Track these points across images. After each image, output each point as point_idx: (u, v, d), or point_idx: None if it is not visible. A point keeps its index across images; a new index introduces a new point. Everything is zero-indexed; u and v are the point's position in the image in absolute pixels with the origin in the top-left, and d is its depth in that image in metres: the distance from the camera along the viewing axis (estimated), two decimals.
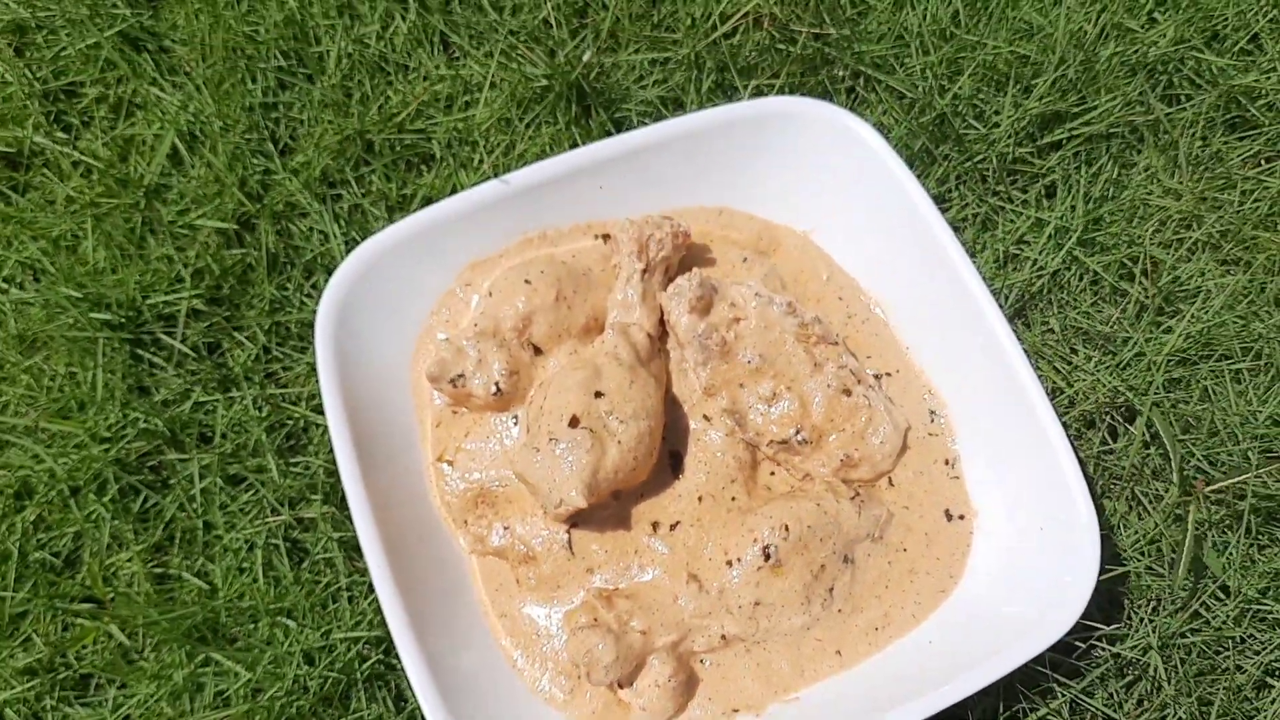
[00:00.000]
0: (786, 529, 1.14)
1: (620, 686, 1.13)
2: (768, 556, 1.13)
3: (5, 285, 1.35)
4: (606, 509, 1.19)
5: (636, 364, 1.19)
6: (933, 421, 1.25)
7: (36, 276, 1.36)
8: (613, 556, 1.18)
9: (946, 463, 1.23)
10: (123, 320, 1.31)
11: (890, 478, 1.23)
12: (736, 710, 1.14)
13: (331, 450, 1.25)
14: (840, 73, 1.43)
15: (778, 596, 1.14)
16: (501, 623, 1.18)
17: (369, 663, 1.21)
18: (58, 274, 1.33)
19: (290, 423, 1.31)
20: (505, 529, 1.20)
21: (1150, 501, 1.27)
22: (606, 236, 1.31)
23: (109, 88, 1.42)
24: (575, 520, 1.18)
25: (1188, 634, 1.20)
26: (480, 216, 1.26)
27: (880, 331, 1.29)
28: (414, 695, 1.17)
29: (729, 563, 1.14)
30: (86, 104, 1.41)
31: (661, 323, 1.25)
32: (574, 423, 1.13)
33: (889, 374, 1.27)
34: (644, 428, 1.15)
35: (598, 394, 1.15)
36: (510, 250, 1.29)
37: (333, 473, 1.28)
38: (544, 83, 1.37)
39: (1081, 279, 1.38)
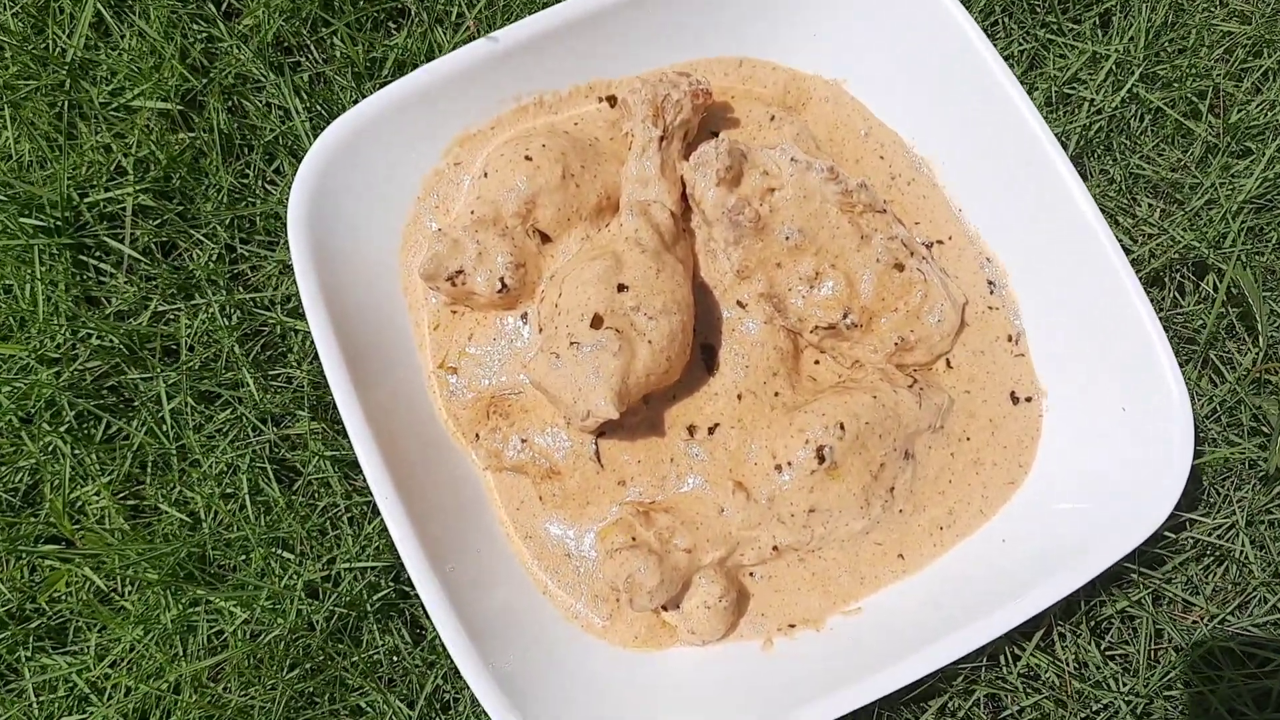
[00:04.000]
0: (842, 427, 1.01)
1: (664, 609, 1.02)
2: (822, 459, 1.01)
3: None
4: (636, 414, 1.05)
5: (661, 249, 1.04)
6: (992, 293, 1.11)
7: None
8: (646, 466, 1.05)
9: (1010, 339, 1.10)
10: (59, 223, 1.14)
11: (948, 359, 1.10)
12: (793, 625, 1.03)
13: (316, 360, 1.10)
14: None
15: (834, 501, 1.02)
16: (527, 545, 1.06)
17: (380, 593, 1.09)
18: None
19: (265, 331, 1.15)
20: (523, 442, 1.06)
21: (1227, 366, 1.15)
22: (612, 99, 1.14)
23: None
24: (603, 429, 1.05)
25: (1275, 511, 1.10)
26: (467, 83, 1.09)
27: (928, 193, 1.14)
28: (434, 627, 1.06)
29: (778, 467, 1.02)
30: None
31: (684, 198, 1.09)
32: (596, 322, 0.99)
33: (940, 242, 1.13)
34: (676, 323, 1.00)
35: (621, 287, 1.00)
36: (503, 120, 1.12)
37: (319, 385, 1.13)
38: None
39: (1143, 119, 1.23)
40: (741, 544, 1.02)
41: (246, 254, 1.15)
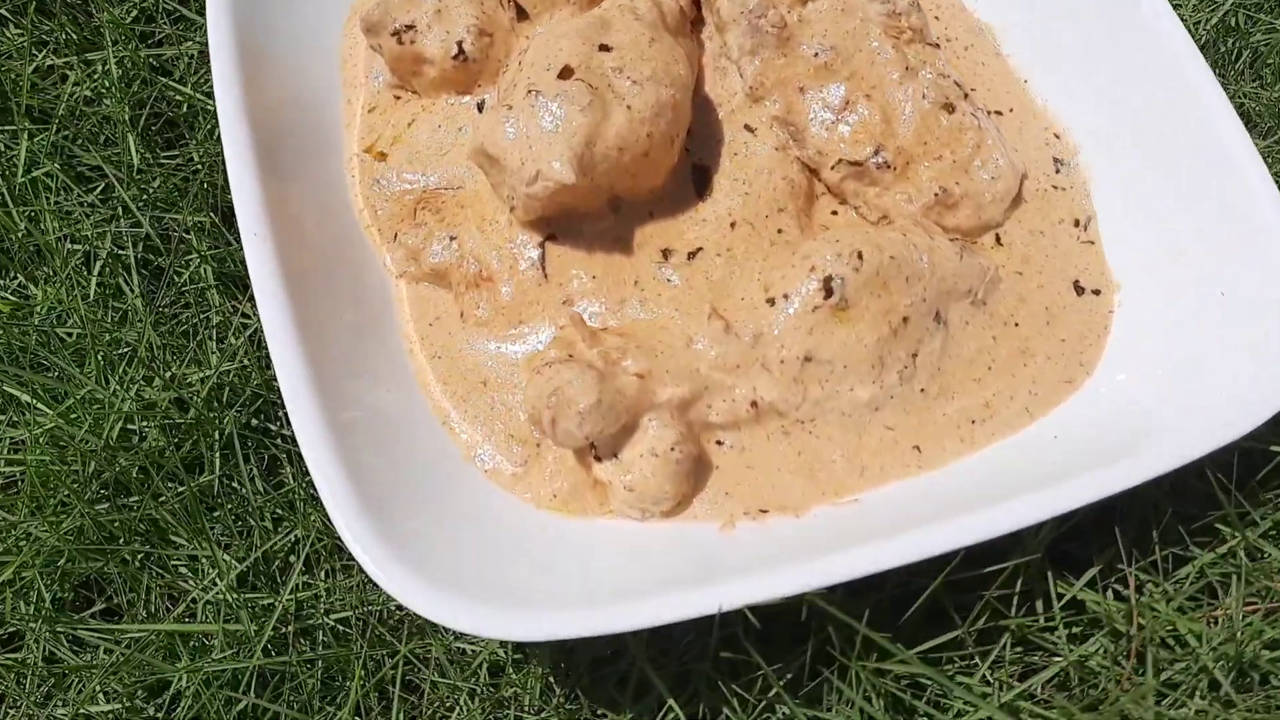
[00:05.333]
0: (860, 257, 0.78)
1: (598, 458, 0.76)
2: (829, 292, 0.77)
3: None
4: (600, 221, 0.83)
5: (660, 26, 0.84)
6: (1058, 172, 0.90)
7: None
8: (604, 285, 0.81)
9: (1077, 224, 0.88)
10: None
11: (998, 234, 0.87)
12: (765, 511, 0.77)
13: (221, 135, 0.88)
14: None
15: (838, 350, 0.78)
16: (433, 366, 0.81)
17: (234, 412, 0.83)
18: None
19: (169, 107, 0.94)
20: (451, 240, 0.83)
21: None
22: None
23: None
24: (553, 231, 0.82)
25: None
26: None
27: (988, 61, 0.95)
28: (304, 473, 0.80)
29: (770, 300, 0.78)
30: None
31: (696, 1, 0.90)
32: (565, 74, 0.78)
33: (998, 113, 0.93)
34: (666, 97, 0.79)
35: (603, 47, 0.80)
36: None
37: (218, 168, 0.91)
38: None
39: None
40: (711, 389, 0.77)
41: (170, 7, 0.96)
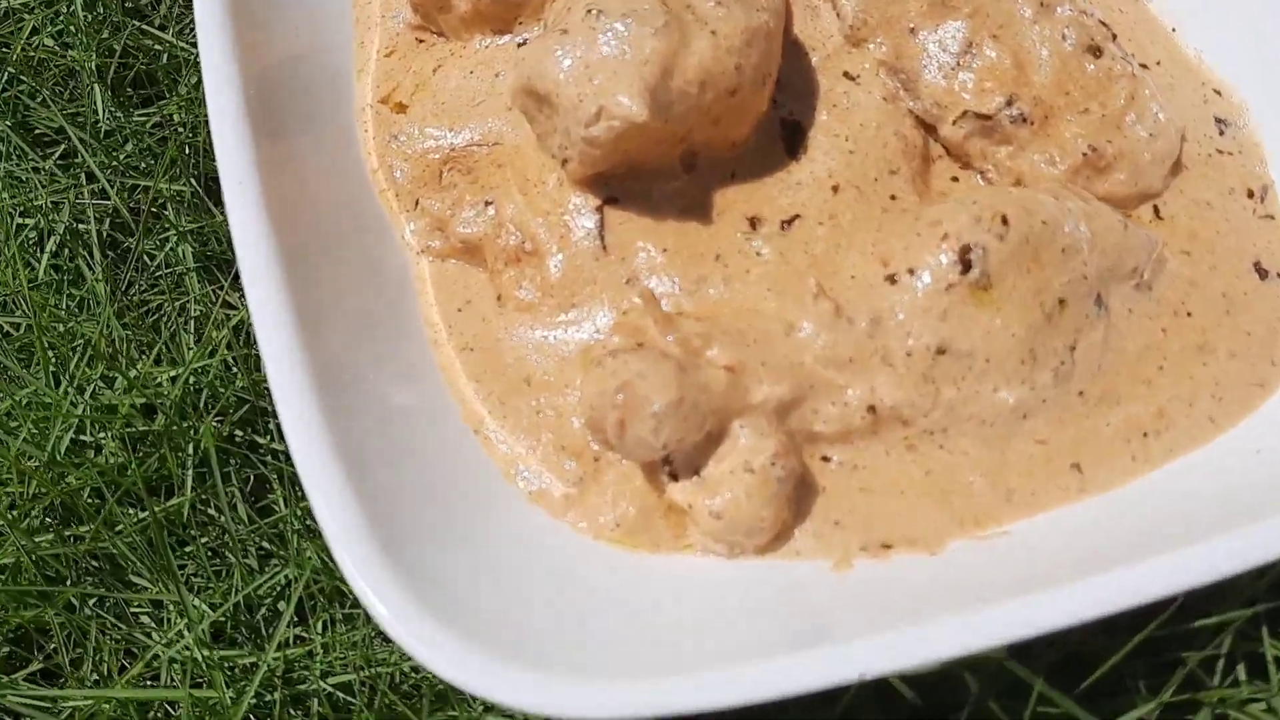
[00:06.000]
0: (1004, 221, 0.61)
1: (674, 476, 0.59)
2: (968, 266, 0.61)
3: None
4: (672, 181, 0.66)
5: None
6: (1223, 135, 0.74)
7: None
8: (678, 260, 0.65)
9: (1250, 194, 0.72)
10: None
11: (1157, 206, 0.71)
12: (889, 545, 0.59)
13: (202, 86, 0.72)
14: None
15: (980, 341, 0.61)
16: (464, 360, 0.65)
17: (214, 420, 0.67)
18: None
19: (145, 57, 0.78)
20: (488, 205, 0.67)
21: None
22: None
23: None
24: (613, 194, 0.65)
25: None
26: None
27: (1127, 8, 0.79)
28: (297, 484, 0.63)
29: (891, 277, 0.62)
30: None
31: None
32: None
33: (1144, 65, 0.76)
34: (758, 22, 0.63)
35: None
36: None
37: (203, 127, 0.75)
38: None
39: None
40: (818, 390, 0.61)
41: None
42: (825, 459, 0.62)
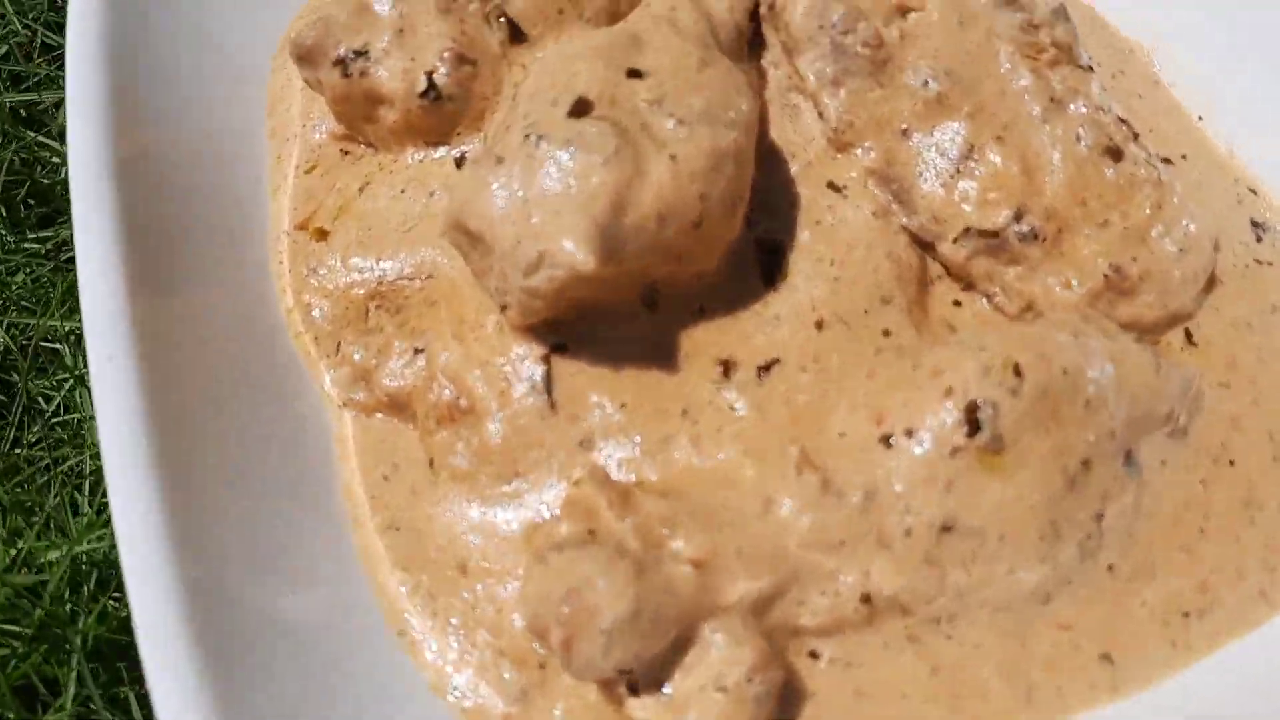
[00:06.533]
0: (1018, 372, 0.52)
1: (634, 691, 0.49)
2: (976, 427, 0.51)
3: None
4: (630, 323, 0.57)
5: (711, 43, 0.59)
6: (1260, 241, 0.66)
7: None
8: (637, 417, 0.56)
9: None
10: None
11: (1189, 329, 0.62)
12: None
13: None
14: None
15: (992, 515, 0.52)
16: (388, 543, 0.55)
17: (110, 601, 0.57)
18: None
19: (41, 171, 0.69)
20: (417, 354, 0.57)
21: None
22: None
23: None
24: (562, 339, 0.56)
25: None
26: None
27: (1146, 92, 0.71)
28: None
29: (887, 438, 0.52)
30: None
31: (755, 12, 0.65)
32: (581, 109, 0.53)
33: (1167, 161, 0.67)
34: (724, 142, 0.54)
35: (634, 73, 0.55)
36: None
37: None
38: None
39: None
40: (804, 578, 0.52)
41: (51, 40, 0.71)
42: (814, 655, 0.53)
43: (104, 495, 0.61)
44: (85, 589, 0.59)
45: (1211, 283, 0.64)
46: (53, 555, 0.59)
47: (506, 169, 0.53)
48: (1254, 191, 0.68)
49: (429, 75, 0.61)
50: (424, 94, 0.61)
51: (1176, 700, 0.53)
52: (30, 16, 0.74)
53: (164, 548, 0.46)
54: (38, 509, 0.61)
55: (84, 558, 0.60)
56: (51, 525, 0.62)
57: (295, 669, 0.49)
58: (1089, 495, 0.54)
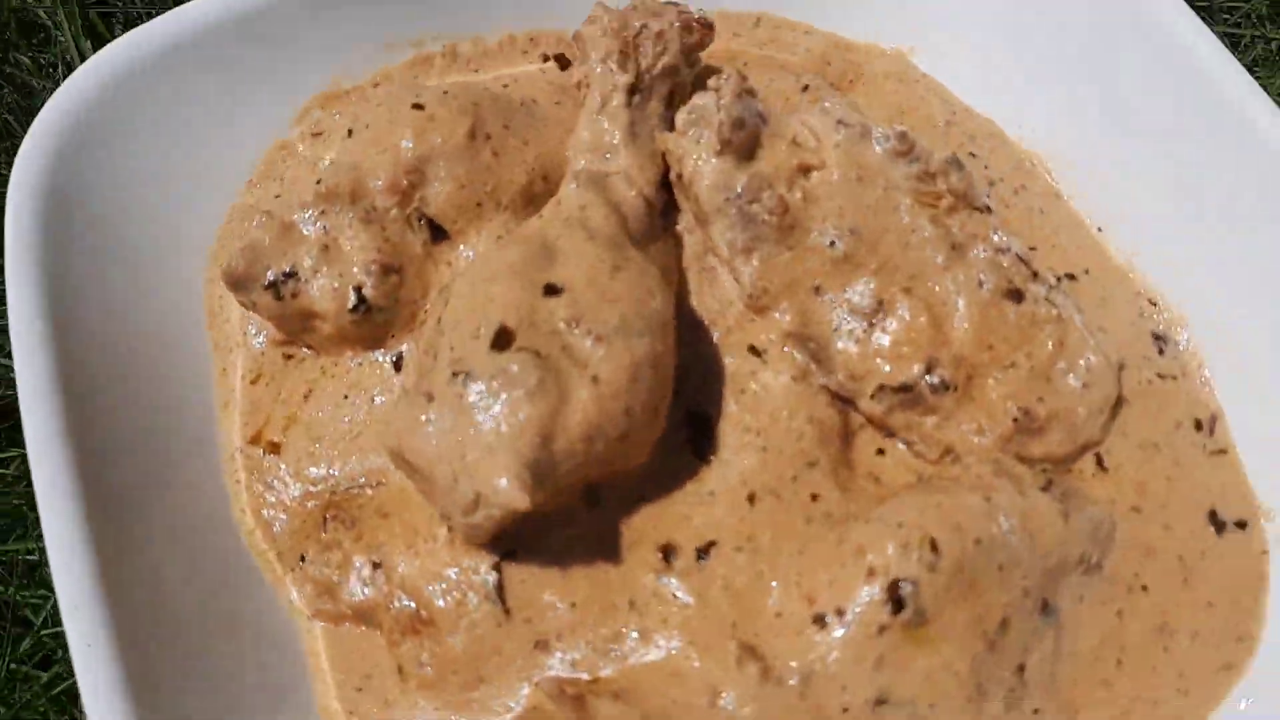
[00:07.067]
0: (934, 548, 0.56)
1: None
2: (899, 604, 0.55)
3: None
4: (573, 525, 0.60)
5: (623, 239, 0.62)
6: (1163, 354, 0.69)
7: None
8: (587, 615, 0.60)
9: (1199, 426, 0.67)
10: None
11: (1100, 455, 0.66)
12: None
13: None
14: None
15: (921, 686, 0.56)
16: None
17: None
18: None
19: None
20: (375, 568, 0.61)
21: None
22: (562, 59, 0.75)
23: None
24: (511, 546, 0.60)
25: None
26: (338, 10, 0.69)
27: (1047, 206, 0.74)
28: None
29: (819, 619, 0.57)
30: None
31: (666, 182, 0.68)
32: (503, 340, 0.56)
33: (1071, 276, 0.71)
34: (642, 351, 0.57)
35: (550, 289, 0.58)
36: (392, 73, 0.74)
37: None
38: None
39: None
40: None
41: None
42: None
43: None
44: None
45: (1119, 404, 0.67)
46: None
47: (437, 408, 0.56)
48: (1154, 303, 0.71)
49: (358, 290, 0.64)
50: (355, 309, 0.64)
51: None
52: None
53: None
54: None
55: None
56: None
57: None
58: (1010, 652, 0.58)
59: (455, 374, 0.56)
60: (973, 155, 0.76)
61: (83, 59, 0.73)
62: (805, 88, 0.76)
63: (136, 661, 0.54)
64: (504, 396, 0.55)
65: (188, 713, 0.56)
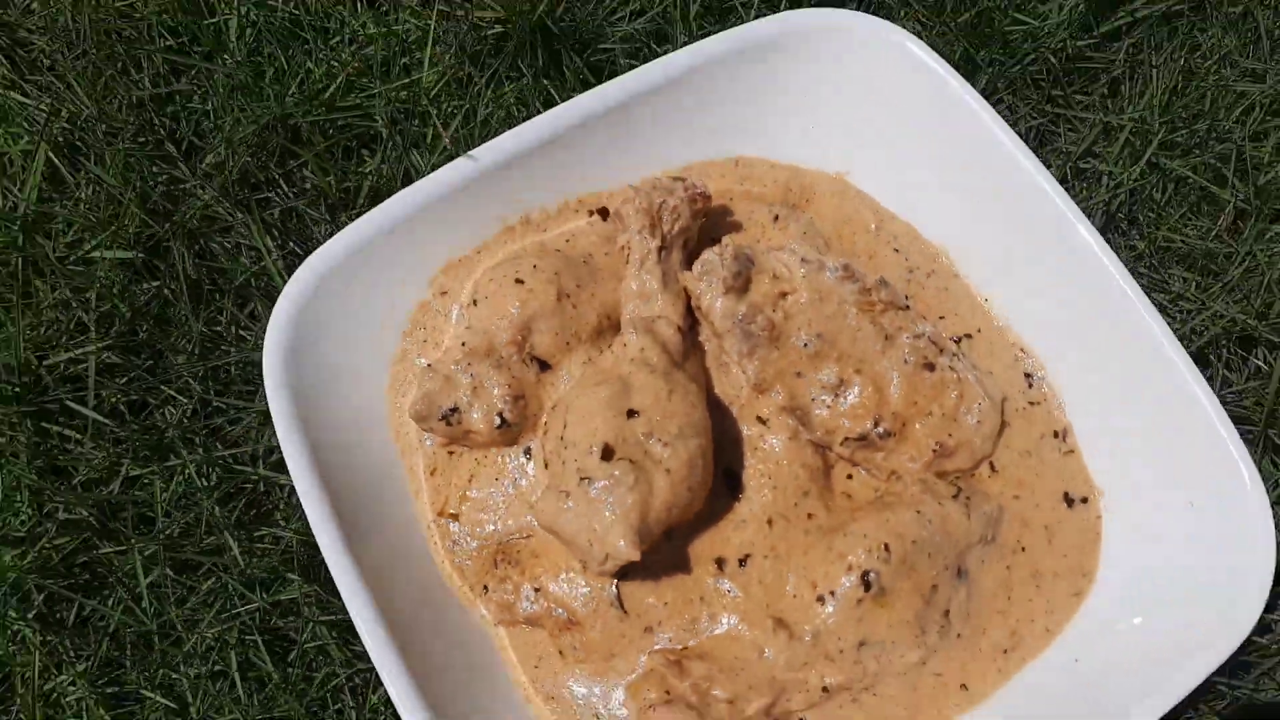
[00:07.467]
0: (886, 549, 0.92)
1: None
2: (868, 585, 0.91)
3: None
4: (658, 552, 0.96)
5: (671, 368, 0.95)
6: (1031, 387, 1.03)
7: None
8: (675, 609, 0.95)
9: (1056, 435, 1.02)
10: (18, 389, 1.05)
11: (992, 462, 1.01)
12: None
13: (304, 516, 1.00)
14: None
15: (885, 632, 0.92)
16: (550, 708, 0.95)
17: None
18: None
19: (247, 488, 1.06)
20: (536, 591, 0.96)
21: None
22: (604, 211, 1.07)
23: None
24: (624, 571, 0.95)
25: None
26: (448, 206, 1.01)
27: (949, 284, 1.06)
28: None
29: (820, 598, 0.92)
30: None
31: (689, 310, 1.01)
32: (607, 454, 0.90)
33: (968, 335, 1.05)
34: (694, 448, 0.91)
35: (631, 413, 0.92)
36: (490, 244, 1.05)
37: (309, 543, 1.03)
38: (498, 29, 1.11)
39: (1166, 189, 1.16)
40: (788, 688, 0.92)
41: (223, 406, 1.06)
42: (801, 719, 0.94)
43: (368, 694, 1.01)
44: None
45: (1003, 427, 1.02)
46: None
47: (573, 500, 0.90)
48: (1024, 351, 1.05)
49: (500, 414, 0.98)
50: (499, 426, 0.98)
51: (1003, 703, 0.94)
52: None
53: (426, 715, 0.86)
54: (326, 704, 1.01)
55: None
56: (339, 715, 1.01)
57: None
58: (939, 604, 0.95)
59: (581, 479, 0.90)
60: (896, 250, 1.08)
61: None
62: (776, 217, 1.08)
63: (396, 628, 0.89)
64: (614, 491, 0.89)
65: (424, 664, 0.91)
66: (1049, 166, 1.13)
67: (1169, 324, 0.98)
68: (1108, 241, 1.02)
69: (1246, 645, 0.95)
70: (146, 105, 1.13)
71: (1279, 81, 1.20)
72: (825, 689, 0.93)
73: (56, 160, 1.11)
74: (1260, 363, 1.09)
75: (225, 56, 1.14)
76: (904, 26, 1.12)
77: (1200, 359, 1.09)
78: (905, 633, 0.93)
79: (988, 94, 1.17)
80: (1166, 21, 1.22)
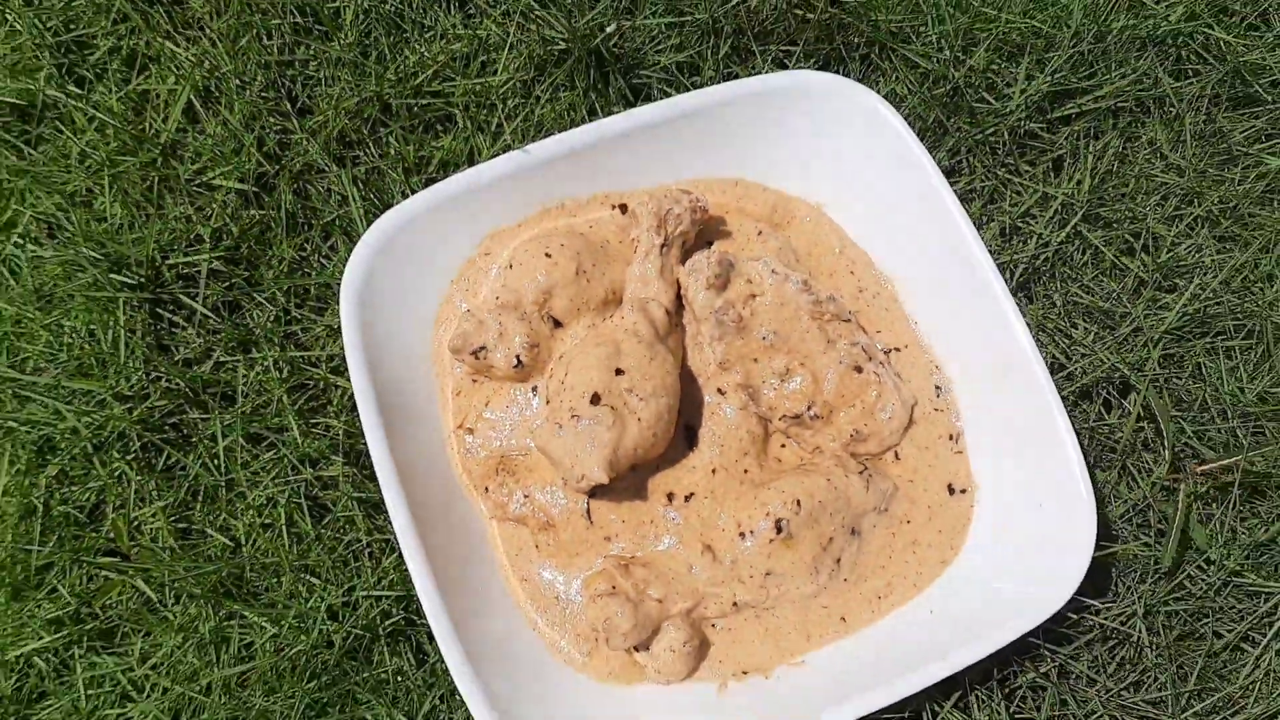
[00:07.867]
0: (798, 504, 1.18)
1: (636, 650, 1.19)
2: (779, 529, 1.18)
3: (21, 240, 1.35)
4: (624, 480, 1.23)
5: (655, 340, 1.22)
6: (938, 397, 1.29)
7: (53, 233, 1.36)
8: (630, 526, 1.22)
9: (950, 438, 1.28)
10: (142, 280, 1.33)
11: (896, 452, 1.27)
12: (745, 672, 1.20)
13: (352, 413, 1.28)
14: (856, 40, 1.43)
15: (788, 567, 1.19)
16: (522, 587, 1.23)
17: (392, 620, 1.26)
18: (75, 231, 1.33)
19: (310, 385, 1.33)
20: (525, 497, 1.24)
21: (1141, 474, 1.33)
22: (624, 207, 1.33)
23: (122, 39, 1.40)
24: (594, 492, 1.22)
25: (1170, 603, 1.27)
26: (502, 187, 1.27)
27: (890, 307, 1.32)
28: (437, 652, 1.23)
29: (742, 534, 1.19)
30: (99, 56, 1.40)
31: (678, 297, 1.27)
32: (595, 400, 1.17)
33: (897, 349, 1.31)
34: (663, 405, 1.18)
35: (618, 371, 1.18)
36: (530, 221, 1.31)
37: (352, 435, 1.31)
38: (563, 46, 1.37)
39: (1084, 253, 1.42)
40: (706, 598, 1.19)
41: (299, 317, 1.33)
42: (713, 625, 1.22)
43: (383, 559, 1.29)
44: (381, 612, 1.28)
45: (910, 425, 1.29)
46: (360, 593, 1.28)
47: (564, 430, 1.17)
48: (938, 367, 1.31)
49: (518, 357, 1.25)
50: (516, 367, 1.25)
51: (871, 636, 1.21)
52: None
53: (431, 580, 1.13)
54: (348, 563, 1.30)
55: (380, 593, 1.28)
56: (358, 573, 1.30)
57: (486, 637, 1.17)
58: (833, 551, 1.22)
59: (573, 416, 1.17)
60: (852, 273, 1.34)
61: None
62: (760, 232, 1.34)
63: (415, 510, 1.17)
64: (596, 429, 1.16)
65: (432, 541, 1.18)
66: (992, 221, 1.40)
67: (1066, 362, 1.24)
68: (1031, 290, 1.28)
69: (1064, 620, 1.22)
70: (272, 67, 1.39)
71: (1196, 177, 1.44)
72: (735, 604, 1.20)
73: (195, 101, 1.38)
74: (1130, 406, 1.35)
75: (340, 35, 1.40)
76: (892, 90, 1.38)
77: (1085, 395, 1.35)
78: (803, 570, 1.20)
79: (952, 153, 1.43)
80: (1112, 115, 1.46)
